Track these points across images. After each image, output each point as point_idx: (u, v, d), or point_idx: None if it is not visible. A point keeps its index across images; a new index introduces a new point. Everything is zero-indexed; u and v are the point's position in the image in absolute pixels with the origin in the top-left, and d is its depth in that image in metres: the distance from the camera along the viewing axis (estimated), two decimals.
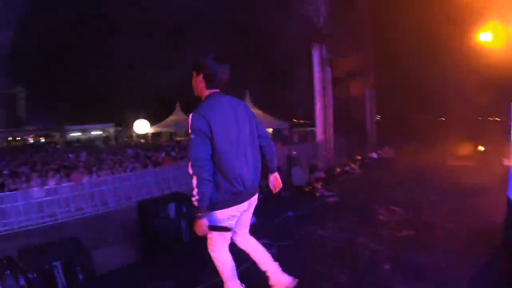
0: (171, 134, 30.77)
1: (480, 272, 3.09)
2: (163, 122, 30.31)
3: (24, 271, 3.09)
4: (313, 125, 12.24)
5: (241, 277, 2.61)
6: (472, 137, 10.18)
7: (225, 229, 2.40)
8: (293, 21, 11.62)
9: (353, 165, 8.90)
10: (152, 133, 31.47)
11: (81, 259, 3.59)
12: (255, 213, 2.64)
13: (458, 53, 9.84)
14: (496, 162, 7.33)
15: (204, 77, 2.38)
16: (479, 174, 6.74)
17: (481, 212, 4.46)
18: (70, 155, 17.51)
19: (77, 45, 30.69)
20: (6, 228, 8.42)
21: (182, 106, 29.64)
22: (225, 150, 2.27)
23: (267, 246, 2.75)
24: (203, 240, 2.48)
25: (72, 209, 9.38)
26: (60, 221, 8.97)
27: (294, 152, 8.75)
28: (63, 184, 9.82)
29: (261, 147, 2.56)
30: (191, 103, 2.51)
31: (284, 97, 21.68)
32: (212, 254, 2.49)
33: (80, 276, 3.51)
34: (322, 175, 8.04)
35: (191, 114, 2.28)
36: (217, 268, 2.52)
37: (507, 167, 3.69)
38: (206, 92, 2.41)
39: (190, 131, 2.24)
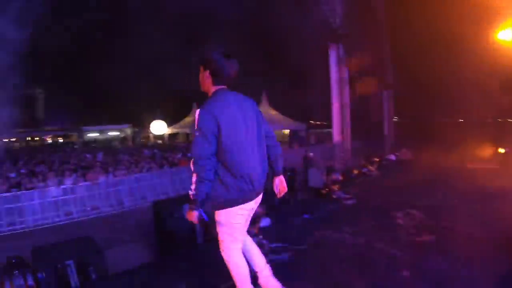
0: (187, 135, 30.89)
1: (505, 283, 2.93)
2: (180, 123, 30.52)
3: (34, 271, 3.10)
4: (330, 126, 12.12)
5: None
6: (492, 139, 9.95)
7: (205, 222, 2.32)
8: (309, 21, 11.56)
9: (370, 167, 8.77)
10: (169, 134, 31.78)
11: (94, 259, 3.62)
12: (270, 215, 2.57)
13: (477, 53, 9.58)
14: None
15: (211, 73, 2.31)
16: (501, 177, 6.53)
17: (506, 218, 4.27)
18: (87, 155, 17.80)
19: (95, 46, 31.25)
20: (23, 226, 8.57)
21: (199, 107, 29.69)
22: (233, 148, 2.20)
23: (283, 250, 2.67)
24: (217, 241, 2.42)
25: (88, 208, 9.52)
26: (76, 220, 9.10)
27: (311, 154, 8.68)
28: (80, 184, 9.96)
29: (266, 147, 2.47)
30: None
31: (301, 98, 21.61)
32: (224, 257, 2.42)
33: (93, 276, 3.53)
34: (339, 177, 7.91)
35: (198, 110, 2.22)
36: (230, 271, 2.43)
37: None
38: (213, 88, 2.34)
39: (196, 127, 2.18)
